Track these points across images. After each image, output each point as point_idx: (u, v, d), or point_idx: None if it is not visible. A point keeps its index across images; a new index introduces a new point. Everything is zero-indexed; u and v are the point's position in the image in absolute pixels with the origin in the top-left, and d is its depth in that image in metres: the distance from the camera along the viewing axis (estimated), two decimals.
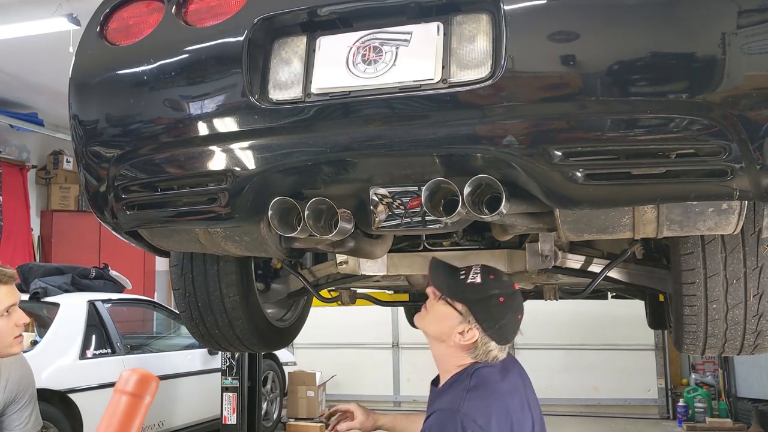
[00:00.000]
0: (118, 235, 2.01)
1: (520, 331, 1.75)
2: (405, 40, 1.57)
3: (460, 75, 1.52)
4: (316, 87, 1.61)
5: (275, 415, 7.34)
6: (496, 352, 1.71)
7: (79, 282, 5.91)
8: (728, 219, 1.64)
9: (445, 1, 1.58)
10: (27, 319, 2.02)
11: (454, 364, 1.73)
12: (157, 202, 1.85)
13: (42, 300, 5.42)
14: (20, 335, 1.98)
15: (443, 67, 1.53)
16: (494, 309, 1.68)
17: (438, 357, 1.79)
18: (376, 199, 1.78)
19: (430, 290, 1.79)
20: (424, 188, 1.55)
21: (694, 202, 1.62)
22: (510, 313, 1.70)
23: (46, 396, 4.44)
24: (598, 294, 3.81)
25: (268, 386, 7.18)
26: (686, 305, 1.92)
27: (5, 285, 1.94)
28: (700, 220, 1.65)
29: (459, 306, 1.70)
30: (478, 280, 1.72)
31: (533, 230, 2.05)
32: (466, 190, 1.50)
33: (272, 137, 1.65)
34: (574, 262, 2.27)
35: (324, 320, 7.68)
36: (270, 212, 1.68)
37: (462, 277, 1.75)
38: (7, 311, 1.93)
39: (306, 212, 1.65)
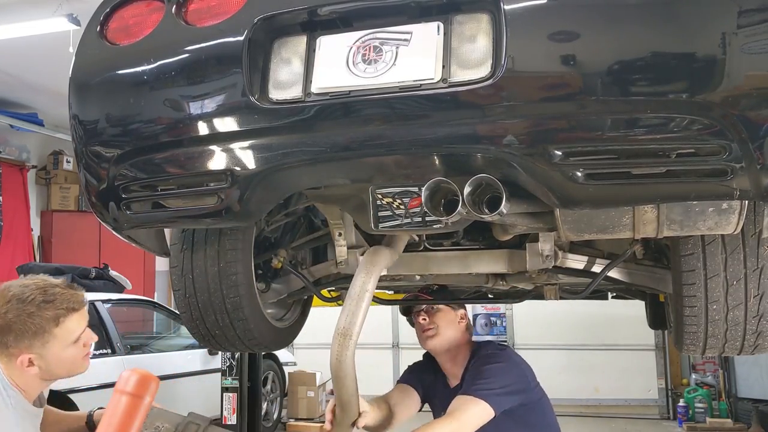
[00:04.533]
0: (118, 235, 2.01)
1: None
2: (405, 40, 1.57)
3: (460, 75, 1.52)
4: (316, 87, 1.60)
5: (275, 416, 7.34)
6: None
7: (79, 282, 5.87)
8: (728, 219, 1.64)
9: (445, 1, 1.57)
10: (95, 338, 1.89)
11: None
12: (158, 202, 1.85)
13: None
14: (88, 353, 1.86)
15: (443, 67, 1.52)
16: None
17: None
18: (377, 199, 1.78)
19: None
20: (424, 188, 1.55)
21: (695, 202, 1.62)
22: None
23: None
24: (599, 294, 3.81)
25: (268, 386, 7.18)
26: (686, 306, 1.92)
27: (77, 312, 1.78)
28: (701, 220, 1.65)
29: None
30: None
31: (533, 230, 2.05)
32: (467, 189, 1.50)
33: (272, 137, 1.65)
34: (575, 262, 2.27)
35: (324, 320, 7.67)
36: None
37: None
38: (78, 338, 1.80)
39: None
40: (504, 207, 1.51)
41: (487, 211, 1.55)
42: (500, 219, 1.81)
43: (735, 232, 1.71)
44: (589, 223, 1.72)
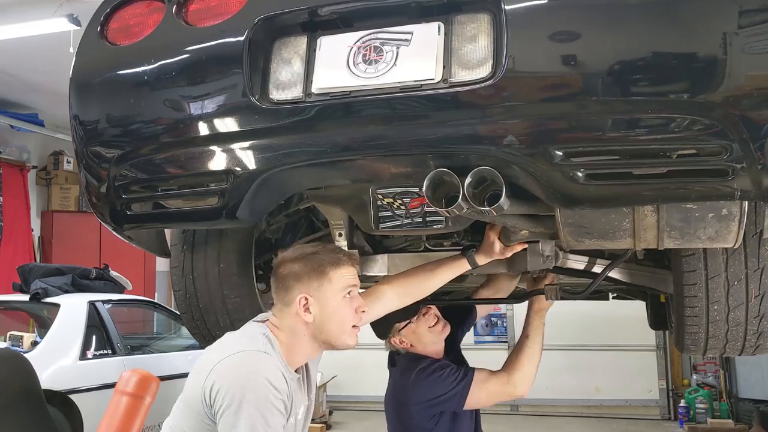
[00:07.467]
0: (119, 236, 2.01)
1: None
2: (406, 40, 1.57)
3: (460, 75, 1.51)
4: (316, 87, 1.60)
5: None
6: None
7: (79, 282, 5.90)
8: (728, 226, 1.63)
9: (445, 1, 1.57)
10: (365, 307, 1.86)
11: None
12: (158, 202, 1.85)
13: (42, 301, 5.41)
14: (357, 328, 1.84)
15: (444, 67, 1.52)
16: None
17: None
18: (377, 200, 1.78)
19: None
20: (426, 179, 1.54)
21: (694, 207, 1.61)
22: None
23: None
24: (600, 294, 3.81)
25: None
26: (687, 306, 1.92)
27: (354, 266, 1.81)
28: (701, 227, 1.64)
29: None
30: None
31: (535, 236, 2.04)
32: (468, 180, 1.50)
33: (273, 137, 1.65)
34: (575, 262, 2.27)
35: None
36: None
37: None
38: (349, 293, 1.80)
39: None
40: (503, 203, 1.50)
41: (487, 205, 1.55)
42: (501, 221, 1.81)
43: (735, 246, 1.71)
44: (590, 226, 1.71)
